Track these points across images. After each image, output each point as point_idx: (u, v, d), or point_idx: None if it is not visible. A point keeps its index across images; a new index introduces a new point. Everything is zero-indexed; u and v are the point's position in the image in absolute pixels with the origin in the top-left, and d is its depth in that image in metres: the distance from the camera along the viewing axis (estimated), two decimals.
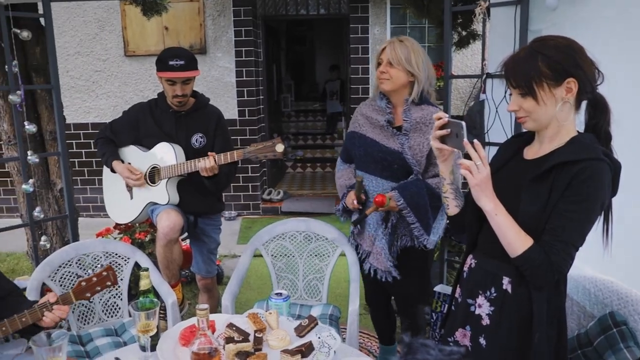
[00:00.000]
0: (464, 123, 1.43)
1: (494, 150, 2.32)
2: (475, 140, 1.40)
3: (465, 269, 1.61)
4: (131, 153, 2.72)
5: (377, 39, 6.13)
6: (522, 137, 1.58)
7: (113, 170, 2.68)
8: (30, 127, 2.68)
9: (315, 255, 2.63)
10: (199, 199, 2.68)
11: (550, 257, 1.32)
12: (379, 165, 2.25)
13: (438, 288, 2.94)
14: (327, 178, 7.76)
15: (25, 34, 2.64)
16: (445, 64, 2.89)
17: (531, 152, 1.50)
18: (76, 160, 5.98)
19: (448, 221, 1.69)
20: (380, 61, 2.24)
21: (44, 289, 2.33)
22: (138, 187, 2.66)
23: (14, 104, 2.61)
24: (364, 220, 2.32)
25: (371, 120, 2.30)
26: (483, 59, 2.94)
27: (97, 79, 5.99)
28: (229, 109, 5.92)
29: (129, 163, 2.68)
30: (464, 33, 4.63)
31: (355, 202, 2.22)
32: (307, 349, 1.54)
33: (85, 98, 6.01)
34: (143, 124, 2.66)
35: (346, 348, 1.79)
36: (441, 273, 3.18)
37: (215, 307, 2.94)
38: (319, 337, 1.64)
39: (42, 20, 2.96)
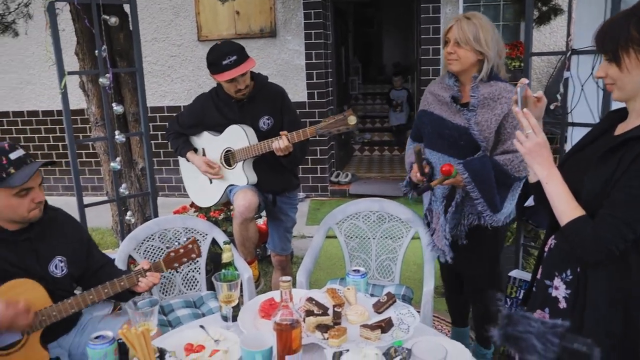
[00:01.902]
0: (519, 88, 1.40)
1: (579, 131, 2.22)
2: (525, 109, 1.37)
3: (546, 249, 1.55)
4: (204, 139, 2.79)
5: (448, 18, 5.94)
6: (619, 113, 1.48)
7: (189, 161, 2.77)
8: (117, 108, 2.83)
9: (388, 236, 2.62)
10: (276, 177, 2.73)
11: (597, 231, 1.24)
12: (446, 142, 2.19)
13: (513, 273, 2.85)
14: (395, 161, 7.68)
15: (113, 20, 2.78)
16: (526, 41, 2.76)
17: (621, 128, 1.40)
18: (153, 142, 6.24)
19: (531, 194, 1.62)
20: (447, 40, 2.15)
21: (129, 262, 2.48)
22: (218, 178, 2.74)
23: (103, 86, 2.76)
24: (435, 198, 2.28)
25: (438, 97, 2.24)
26: (568, 35, 2.78)
27: (172, 63, 6.22)
28: (298, 92, 5.98)
29: (203, 149, 2.77)
30: (544, 8, 4.39)
31: (418, 174, 2.18)
32: (387, 325, 1.55)
33: (161, 82, 6.26)
34: (209, 115, 2.71)
35: (422, 327, 1.78)
36: (516, 258, 3.08)
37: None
38: (398, 314, 1.64)
39: (125, 7, 3.10)
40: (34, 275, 1.81)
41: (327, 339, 1.50)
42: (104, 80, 2.71)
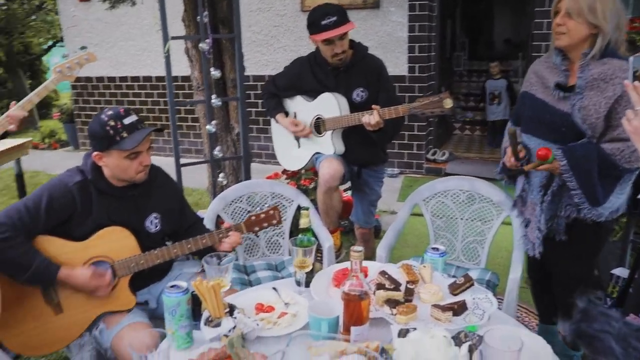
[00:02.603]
0: (632, 58, 1.25)
1: None
2: (636, 82, 1.21)
3: None
4: (296, 103, 2.81)
5: None
6: None
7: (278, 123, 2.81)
8: (215, 73, 2.93)
9: (477, 218, 2.48)
10: (364, 149, 2.69)
11: None
12: (547, 128, 1.98)
13: (617, 271, 2.59)
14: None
15: None
16: None
17: None
18: (253, 109, 6.45)
19: None
20: (557, 10, 1.89)
21: (218, 221, 2.59)
22: (305, 137, 2.75)
23: (203, 51, 2.86)
24: (530, 187, 2.10)
25: (543, 79, 2.02)
26: None
27: (275, 33, 6.32)
28: (399, 65, 5.82)
29: (295, 113, 2.79)
30: None
31: (512, 159, 2.00)
32: (460, 308, 1.47)
33: (264, 51, 6.40)
34: (304, 79, 2.71)
35: (502, 316, 1.67)
36: (622, 255, 2.79)
37: (370, 259, 2.98)
38: (474, 298, 1.55)
39: None
40: (130, 227, 1.94)
41: (395, 314, 1.45)
42: (204, 46, 2.81)
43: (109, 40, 7.16)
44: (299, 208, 2.67)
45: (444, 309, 1.45)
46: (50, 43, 11.70)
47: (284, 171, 4.17)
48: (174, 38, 2.78)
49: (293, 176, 4.15)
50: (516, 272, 2.15)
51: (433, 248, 1.77)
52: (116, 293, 1.90)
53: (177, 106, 2.70)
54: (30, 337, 1.82)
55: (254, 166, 3.60)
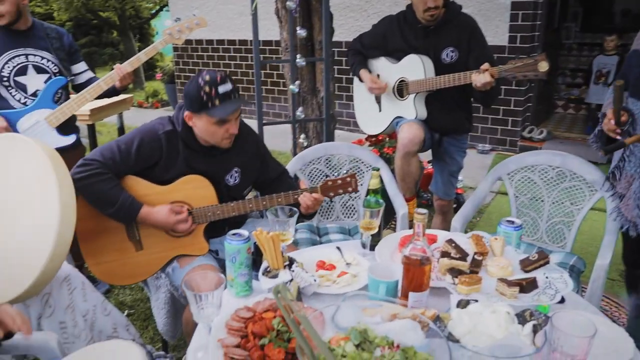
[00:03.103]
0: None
1: None
2: None
3: None
4: (380, 65, 2.73)
5: None
6: None
7: (360, 80, 2.74)
8: (301, 32, 2.91)
9: (567, 197, 2.29)
10: (447, 116, 2.58)
11: None
12: None
13: None
14: None
15: None
16: None
17: None
18: (343, 76, 6.39)
19: None
20: None
21: (296, 181, 2.60)
22: (389, 97, 2.67)
23: (290, 9, 2.85)
24: (630, 158, 1.88)
25: None
26: None
27: None
28: (499, 34, 5.46)
29: (378, 75, 2.71)
30: None
31: (612, 121, 1.75)
32: (529, 285, 1.36)
33: (357, 17, 6.28)
34: (391, 38, 2.62)
35: (580, 301, 1.54)
36: None
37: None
38: (547, 277, 1.43)
39: None
40: (210, 179, 2.01)
41: (457, 284, 1.38)
42: (291, 4, 2.79)
43: (208, 3, 7.39)
44: None
45: (510, 284, 1.35)
46: (157, 8, 12.34)
47: (368, 138, 4.12)
48: None
49: (377, 143, 4.09)
50: (605, 258, 1.97)
51: (508, 220, 1.65)
52: (191, 239, 1.99)
53: (261, 63, 2.71)
54: (112, 267, 1.97)
55: (341, 134, 3.58)
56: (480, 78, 2.26)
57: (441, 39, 2.51)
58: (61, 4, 10.69)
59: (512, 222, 1.64)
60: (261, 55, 2.93)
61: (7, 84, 2.46)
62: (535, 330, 1.17)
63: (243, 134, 2.14)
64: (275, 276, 1.44)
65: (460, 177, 4.01)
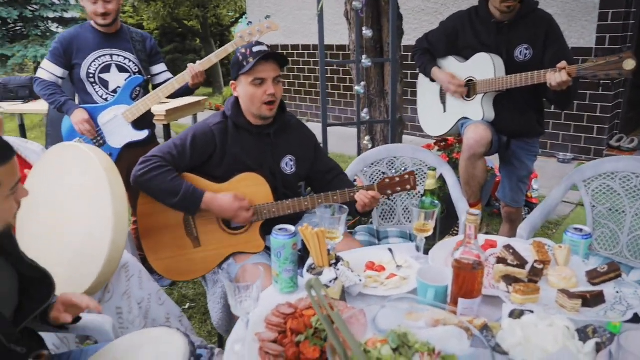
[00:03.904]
0: None
1: None
2: None
3: None
4: (447, 64, 2.62)
5: None
6: None
7: (432, 80, 2.65)
8: (367, 32, 2.86)
9: None
10: (517, 118, 2.43)
11: None
12: None
13: None
14: None
15: None
16: None
17: None
18: (415, 81, 6.25)
19: None
20: None
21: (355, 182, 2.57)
22: (455, 97, 2.57)
23: (356, 9, 2.81)
24: None
25: None
26: None
27: (445, 1, 6.01)
28: (585, 36, 5.11)
29: None
30: None
31: None
32: (594, 299, 1.23)
33: (432, 21, 6.13)
34: (461, 35, 2.51)
35: None
36: None
37: None
38: (618, 292, 1.28)
39: None
40: (266, 168, 2.02)
41: (510, 292, 1.27)
42: (357, 4, 2.76)
43: (284, 9, 7.53)
44: (441, 177, 2.52)
45: (572, 296, 1.23)
46: (237, 16, 12.79)
47: (436, 142, 4.00)
48: None
49: (445, 148, 3.96)
50: None
51: (576, 228, 1.51)
52: (248, 236, 2.00)
53: (325, 63, 2.71)
54: (171, 263, 2.02)
55: (413, 140, 3.49)
56: (556, 77, 2.11)
57: (515, 35, 2.38)
58: (150, 14, 11.37)
59: (580, 230, 1.50)
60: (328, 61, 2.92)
61: (92, 80, 2.65)
62: (598, 348, 1.05)
63: (295, 125, 2.14)
64: (319, 273, 1.41)
65: (535, 186, 3.78)
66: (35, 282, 1.29)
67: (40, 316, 1.34)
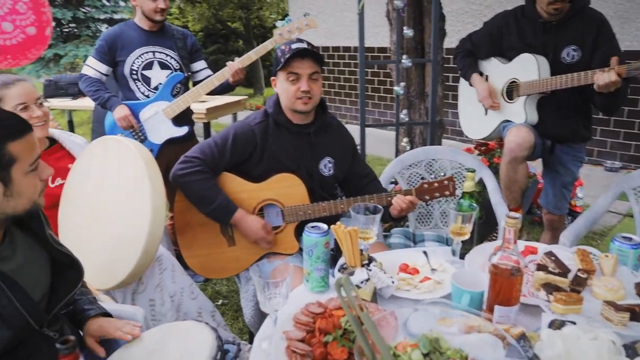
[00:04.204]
0: None
1: None
2: None
3: None
4: (491, 66, 2.55)
5: None
6: None
7: (471, 85, 2.58)
8: (407, 32, 2.82)
9: None
10: (562, 122, 2.33)
11: None
12: None
13: None
14: None
15: None
16: None
17: None
18: (457, 84, 6.13)
19: None
20: None
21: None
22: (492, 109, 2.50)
23: (397, 8, 2.77)
24: None
25: None
26: None
27: (491, 2, 5.87)
28: (639, 38, 4.89)
29: (487, 76, 2.53)
30: None
31: None
32: None
33: (476, 23, 5.99)
34: (506, 35, 2.43)
35: None
36: None
37: None
38: None
39: None
40: (304, 168, 2.00)
41: (551, 302, 1.21)
42: (398, 3, 2.72)
43: (326, 11, 7.54)
44: (481, 181, 2.46)
45: (619, 308, 1.15)
46: (280, 18, 12.90)
47: (477, 146, 3.90)
48: None
49: (486, 152, 3.86)
50: None
51: (624, 237, 1.43)
52: (282, 237, 1.99)
53: (366, 63, 2.66)
54: (206, 261, 2.02)
55: (452, 144, 3.42)
56: (604, 77, 2.00)
57: (563, 36, 2.27)
58: (195, 16, 11.61)
59: (630, 239, 1.42)
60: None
61: (135, 76, 2.71)
62: None
63: (336, 126, 2.12)
64: (351, 274, 1.38)
65: (580, 195, 3.63)
66: (66, 266, 1.31)
67: (73, 321, 1.37)
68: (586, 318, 1.17)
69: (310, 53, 1.90)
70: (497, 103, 2.47)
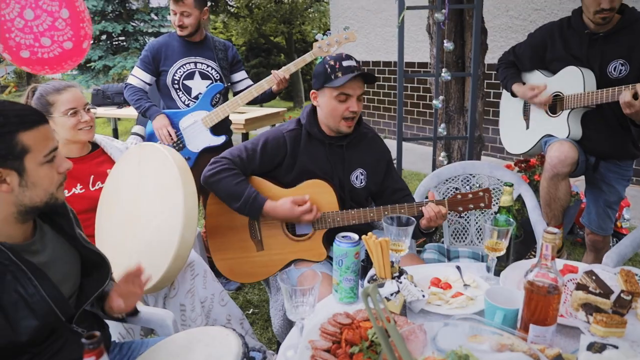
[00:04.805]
0: None
1: None
2: None
3: None
4: (534, 79, 2.48)
5: None
6: None
7: (514, 95, 2.52)
8: (448, 45, 2.79)
9: None
10: (607, 138, 2.24)
11: None
12: None
13: None
14: None
15: None
16: None
17: None
18: (499, 101, 6.01)
19: None
20: None
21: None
22: (539, 113, 2.42)
23: (438, 22, 2.75)
24: None
25: None
26: None
27: (535, 18, 5.75)
28: None
29: None
30: None
31: None
32: None
33: (519, 38, 5.83)
34: (550, 46, 2.36)
35: None
36: None
37: None
38: None
39: None
40: (335, 179, 1.99)
41: (591, 323, 1.15)
42: (439, 16, 2.70)
43: (367, 26, 7.56)
44: (520, 198, 2.38)
45: None
46: (322, 32, 13.05)
47: (517, 163, 3.80)
48: (409, 8, 2.74)
49: (527, 169, 3.75)
50: None
51: None
52: (310, 243, 1.98)
53: (405, 77, 2.64)
54: (234, 264, 2.03)
55: (492, 160, 3.35)
56: (622, 95, 1.91)
57: (610, 48, 2.19)
58: (238, 30, 11.88)
59: None
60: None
61: (176, 86, 2.78)
62: None
63: (370, 138, 2.10)
64: (381, 285, 1.35)
65: (627, 216, 3.47)
66: (96, 265, 1.33)
67: (97, 303, 1.38)
68: (629, 342, 1.10)
69: (366, 75, 1.88)
70: (545, 97, 2.37)
